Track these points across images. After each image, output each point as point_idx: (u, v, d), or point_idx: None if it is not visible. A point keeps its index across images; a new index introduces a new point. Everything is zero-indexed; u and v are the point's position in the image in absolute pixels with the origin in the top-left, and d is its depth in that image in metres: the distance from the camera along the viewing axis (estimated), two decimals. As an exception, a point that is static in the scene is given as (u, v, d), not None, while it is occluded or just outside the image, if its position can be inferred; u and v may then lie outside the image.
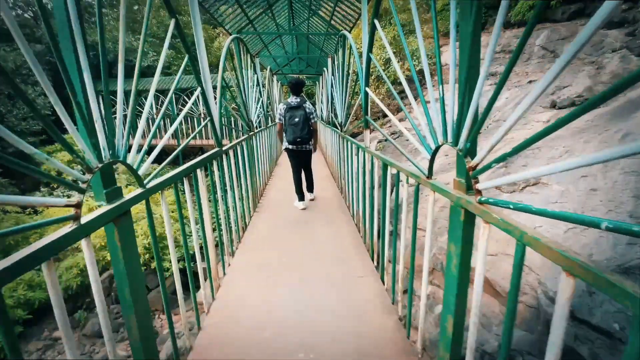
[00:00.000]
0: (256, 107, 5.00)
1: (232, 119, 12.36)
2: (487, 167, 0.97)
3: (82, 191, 0.97)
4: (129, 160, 1.26)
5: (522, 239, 0.87)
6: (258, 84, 5.41)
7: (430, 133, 1.32)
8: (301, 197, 4.12)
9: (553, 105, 5.12)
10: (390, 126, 9.84)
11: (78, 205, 0.96)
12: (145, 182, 1.41)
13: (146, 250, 7.43)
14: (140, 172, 1.33)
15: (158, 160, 1.97)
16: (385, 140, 9.17)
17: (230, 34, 3.90)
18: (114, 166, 1.27)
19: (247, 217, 3.63)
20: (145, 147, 1.39)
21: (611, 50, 6.41)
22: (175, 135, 13.96)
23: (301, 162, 4.06)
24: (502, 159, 0.90)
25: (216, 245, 3.31)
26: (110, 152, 1.13)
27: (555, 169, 0.74)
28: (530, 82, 6.54)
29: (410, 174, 1.67)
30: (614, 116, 3.97)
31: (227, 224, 2.77)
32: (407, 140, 8.30)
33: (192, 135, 1.99)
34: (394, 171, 2.00)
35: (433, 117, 1.30)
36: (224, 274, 2.53)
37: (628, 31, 5.84)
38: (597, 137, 3.89)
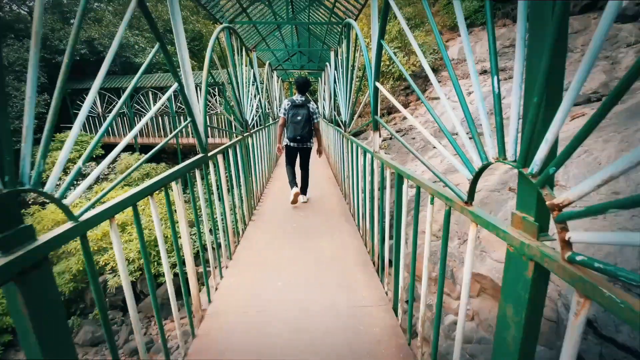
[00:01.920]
0: (254, 105, 4.60)
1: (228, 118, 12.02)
2: (593, 210, 0.59)
3: None
4: (47, 187, 0.89)
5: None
6: (255, 80, 5.01)
7: (475, 145, 0.93)
8: (294, 184, 4.07)
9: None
10: (395, 124, 9.41)
11: None
12: (81, 211, 1.04)
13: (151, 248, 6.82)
14: (68, 201, 0.96)
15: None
16: (391, 138, 8.75)
17: (222, 24, 3.50)
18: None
19: (240, 228, 3.26)
20: (79, 164, 1.01)
21: (626, 44, 6.20)
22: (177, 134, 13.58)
23: (298, 158, 4.11)
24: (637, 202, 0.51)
25: (200, 264, 2.91)
26: (7, 179, 0.76)
27: None
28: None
29: (439, 194, 1.27)
30: (633, 114, 3.78)
31: (215, 240, 2.40)
32: (414, 138, 7.88)
33: (163, 142, 1.61)
34: (404, 181, 1.63)
35: (481, 123, 0.91)
36: (209, 301, 2.16)
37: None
38: (617, 135, 3.66)
